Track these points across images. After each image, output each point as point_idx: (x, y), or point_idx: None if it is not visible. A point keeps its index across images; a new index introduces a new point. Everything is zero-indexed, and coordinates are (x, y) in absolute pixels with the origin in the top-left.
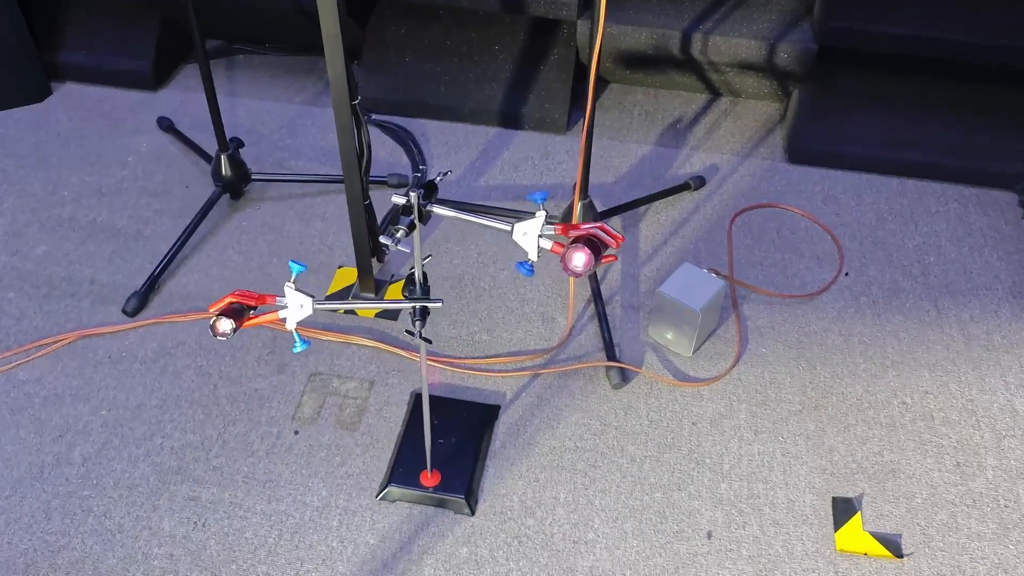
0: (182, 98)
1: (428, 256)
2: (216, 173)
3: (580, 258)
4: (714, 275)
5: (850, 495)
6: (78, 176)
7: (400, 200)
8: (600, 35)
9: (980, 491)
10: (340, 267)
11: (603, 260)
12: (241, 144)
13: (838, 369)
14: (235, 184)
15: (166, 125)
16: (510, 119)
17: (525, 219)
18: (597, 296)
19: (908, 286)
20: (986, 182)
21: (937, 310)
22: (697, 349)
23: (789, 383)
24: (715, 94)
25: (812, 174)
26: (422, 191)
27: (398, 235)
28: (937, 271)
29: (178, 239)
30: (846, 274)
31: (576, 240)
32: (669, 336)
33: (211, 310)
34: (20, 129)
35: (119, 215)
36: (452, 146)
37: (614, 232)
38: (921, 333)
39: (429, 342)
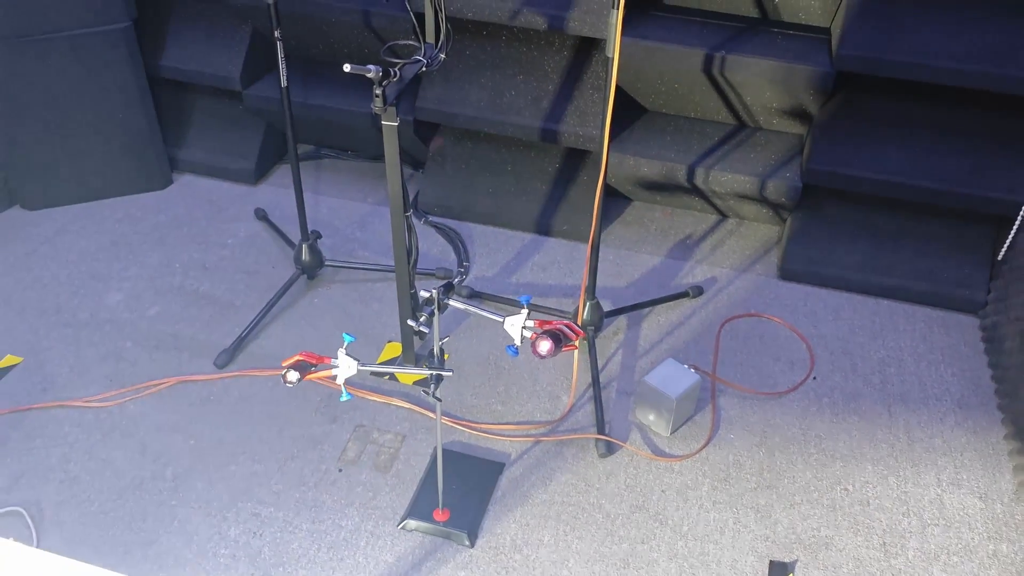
0: (276, 192)
1: (447, 337)
2: (297, 258)
3: (544, 346)
4: (693, 370)
5: (786, 560)
6: (188, 253)
7: (425, 294)
8: (604, 164)
9: (899, 568)
10: (389, 342)
11: (565, 348)
12: (319, 236)
13: (793, 457)
14: (312, 268)
15: (261, 215)
16: (543, 227)
17: (513, 314)
18: (596, 382)
19: (867, 392)
20: (951, 306)
21: (889, 414)
22: (674, 431)
23: (749, 465)
24: (723, 216)
25: (798, 291)
26: (443, 288)
27: (422, 319)
28: (896, 381)
29: (262, 310)
30: (814, 378)
31: (545, 332)
32: (651, 418)
33: (284, 364)
34: (144, 211)
35: (217, 287)
36: (492, 247)
37: (577, 328)
38: (871, 432)
39: (439, 400)
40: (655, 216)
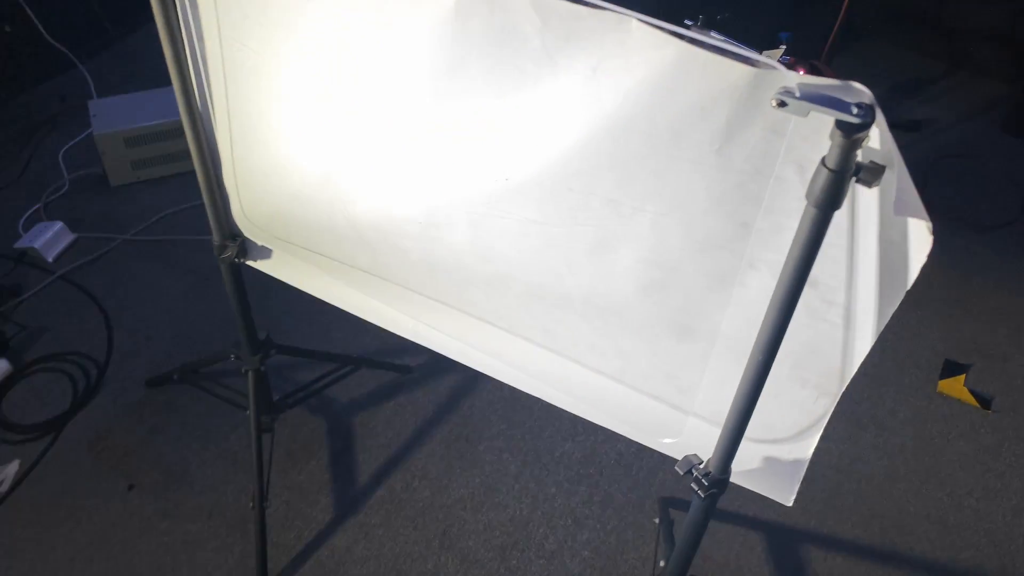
0: None
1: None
2: None
3: (802, 71)
4: None
5: (962, 362)
6: None
7: (689, 23)
8: None
9: None
10: None
11: None
12: None
13: (987, 282)
14: None
15: None
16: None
17: (768, 51)
18: None
19: None
20: None
21: None
22: None
23: (942, 280)
24: (955, 66)
25: (1020, 145)
26: (700, 21)
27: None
28: None
29: None
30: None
31: (801, 62)
32: None
33: None
34: None
35: None
36: None
37: (829, 70)
38: None
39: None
40: (886, 52)
